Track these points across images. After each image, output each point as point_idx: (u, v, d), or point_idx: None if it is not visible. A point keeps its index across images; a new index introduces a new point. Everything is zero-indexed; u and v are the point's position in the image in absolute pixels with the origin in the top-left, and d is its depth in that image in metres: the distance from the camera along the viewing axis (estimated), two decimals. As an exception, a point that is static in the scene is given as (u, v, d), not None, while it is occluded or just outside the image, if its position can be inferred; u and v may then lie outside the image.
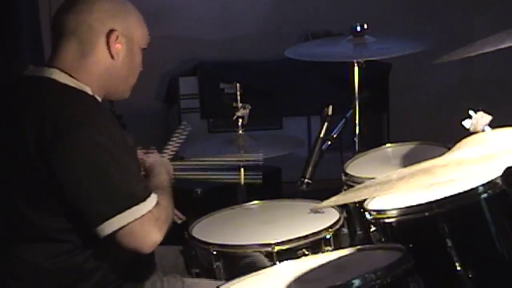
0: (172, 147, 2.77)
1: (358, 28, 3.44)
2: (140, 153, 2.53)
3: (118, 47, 2.34)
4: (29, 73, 2.37)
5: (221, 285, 2.10)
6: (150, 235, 2.23)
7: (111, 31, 2.33)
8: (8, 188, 2.29)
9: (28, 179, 2.23)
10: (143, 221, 2.22)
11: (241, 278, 2.12)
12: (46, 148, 2.19)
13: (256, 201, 2.93)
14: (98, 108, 2.32)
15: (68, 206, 2.23)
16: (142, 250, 2.24)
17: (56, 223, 2.27)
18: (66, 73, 2.31)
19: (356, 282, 1.83)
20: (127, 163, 2.26)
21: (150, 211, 2.23)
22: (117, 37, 2.33)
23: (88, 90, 2.33)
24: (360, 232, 2.76)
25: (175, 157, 2.74)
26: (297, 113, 5.09)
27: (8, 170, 2.28)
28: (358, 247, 2.20)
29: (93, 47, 2.33)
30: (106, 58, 2.34)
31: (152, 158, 2.56)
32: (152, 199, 2.26)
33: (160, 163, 2.55)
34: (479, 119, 2.27)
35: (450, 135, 2.30)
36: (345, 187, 2.87)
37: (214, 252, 2.57)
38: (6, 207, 2.30)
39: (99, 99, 2.37)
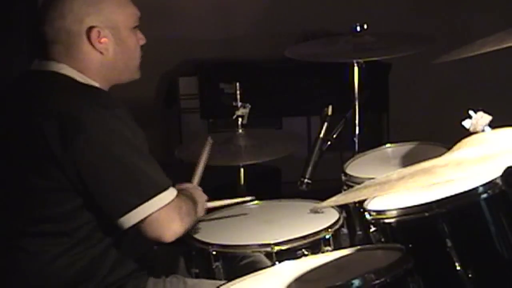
0: (200, 168, 2.74)
1: (358, 28, 3.44)
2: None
3: (104, 41, 2.32)
4: (37, 68, 2.36)
5: (221, 285, 2.10)
6: (173, 224, 2.26)
7: (89, 29, 2.30)
8: (18, 183, 2.29)
9: (45, 174, 2.23)
10: (167, 209, 2.24)
11: (241, 278, 2.12)
12: (68, 143, 2.19)
13: (256, 201, 2.93)
14: (113, 101, 2.32)
15: (88, 200, 2.23)
16: (163, 239, 2.26)
17: (66, 219, 2.27)
18: (73, 68, 2.31)
19: (356, 282, 1.83)
20: (147, 153, 2.27)
21: (173, 199, 2.25)
22: (99, 32, 2.31)
23: (97, 85, 2.33)
24: (360, 232, 2.76)
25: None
26: (297, 113, 5.09)
27: (22, 166, 2.28)
28: (358, 247, 2.19)
29: (79, 49, 2.32)
30: (96, 55, 2.33)
31: (188, 186, 2.58)
32: (173, 189, 2.28)
33: (185, 188, 2.55)
34: (479, 119, 2.27)
35: (450, 135, 2.29)
36: (345, 187, 2.87)
37: (214, 252, 2.56)
38: (14, 202, 2.30)
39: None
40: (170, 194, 2.26)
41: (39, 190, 2.26)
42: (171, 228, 2.25)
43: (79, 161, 2.20)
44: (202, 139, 2.88)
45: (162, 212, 2.23)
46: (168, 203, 2.24)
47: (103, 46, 2.33)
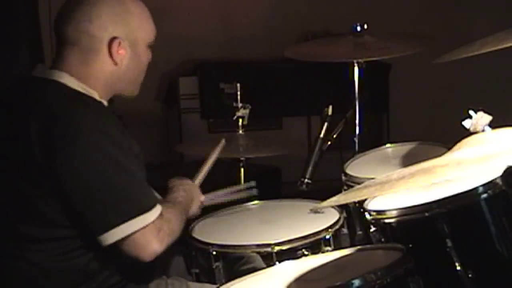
0: (206, 168, 2.73)
1: (358, 28, 3.43)
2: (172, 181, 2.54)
3: (121, 53, 2.33)
4: (38, 74, 2.36)
5: (221, 285, 2.10)
6: (151, 245, 2.24)
7: (112, 39, 2.31)
8: (13, 190, 2.29)
9: (35, 182, 2.23)
10: (145, 231, 2.22)
11: (241, 278, 2.12)
12: (54, 153, 2.19)
13: (256, 201, 2.93)
14: (106, 115, 2.32)
15: (73, 211, 2.23)
16: (142, 259, 2.24)
17: (61, 225, 2.26)
18: (75, 77, 2.31)
19: (356, 282, 1.83)
20: (134, 171, 2.26)
21: (153, 221, 2.23)
22: (120, 43, 2.32)
23: (96, 96, 2.33)
24: (360, 232, 2.76)
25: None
26: (297, 113, 5.09)
27: (15, 172, 2.28)
28: (358, 247, 2.20)
29: (96, 55, 2.32)
30: (110, 65, 2.33)
31: (179, 182, 2.55)
32: (156, 209, 2.26)
33: (183, 184, 2.54)
34: (479, 119, 2.27)
35: (450, 135, 2.29)
36: (345, 187, 2.87)
37: (214, 253, 2.56)
38: (10, 208, 2.30)
39: (105, 103, 2.37)
40: (151, 215, 2.24)
41: (30, 196, 2.26)
42: (150, 248, 2.24)
43: (62, 172, 2.19)
44: (204, 139, 2.88)
45: (142, 233, 2.22)
46: (148, 224, 2.23)
47: (120, 57, 2.33)
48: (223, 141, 2.83)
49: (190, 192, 2.53)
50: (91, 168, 2.20)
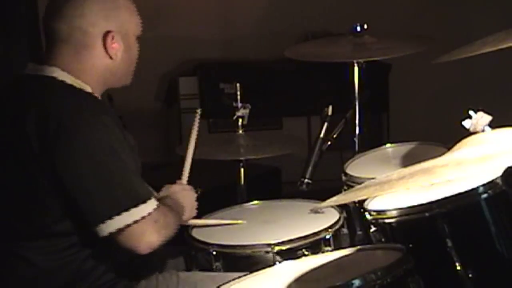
0: (188, 160, 2.71)
1: (358, 28, 3.44)
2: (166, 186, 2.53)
3: (115, 46, 2.34)
4: (30, 72, 2.36)
5: (221, 285, 2.10)
6: (147, 237, 2.24)
7: (106, 33, 2.32)
8: (9, 186, 2.29)
9: (31, 176, 2.24)
10: (142, 223, 2.22)
11: (241, 278, 2.12)
12: (51, 146, 2.20)
13: (256, 201, 2.93)
14: (100, 107, 2.33)
15: (70, 204, 2.23)
16: (137, 251, 2.24)
17: (56, 221, 2.27)
18: (66, 72, 2.31)
19: (356, 282, 1.83)
20: (130, 163, 2.27)
21: (149, 213, 2.23)
22: (113, 37, 2.33)
23: (89, 89, 2.34)
24: (360, 232, 2.76)
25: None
26: (297, 113, 5.09)
27: (10, 167, 2.28)
28: (358, 247, 2.20)
29: (90, 50, 2.32)
30: (104, 58, 2.34)
31: (175, 189, 2.54)
32: (152, 201, 2.26)
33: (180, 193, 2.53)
34: (479, 119, 2.27)
35: (450, 135, 2.29)
36: (345, 187, 2.87)
37: (214, 252, 2.56)
38: (6, 205, 2.30)
39: (99, 96, 2.37)
40: (148, 206, 2.24)
41: (27, 192, 2.26)
42: (146, 240, 2.24)
43: (59, 165, 2.20)
44: (203, 139, 2.88)
45: (139, 224, 2.22)
46: (145, 216, 2.23)
47: (114, 51, 2.34)
48: (198, 111, 2.83)
49: (178, 200, 2.50)
50: (88, 158, 2.20)
